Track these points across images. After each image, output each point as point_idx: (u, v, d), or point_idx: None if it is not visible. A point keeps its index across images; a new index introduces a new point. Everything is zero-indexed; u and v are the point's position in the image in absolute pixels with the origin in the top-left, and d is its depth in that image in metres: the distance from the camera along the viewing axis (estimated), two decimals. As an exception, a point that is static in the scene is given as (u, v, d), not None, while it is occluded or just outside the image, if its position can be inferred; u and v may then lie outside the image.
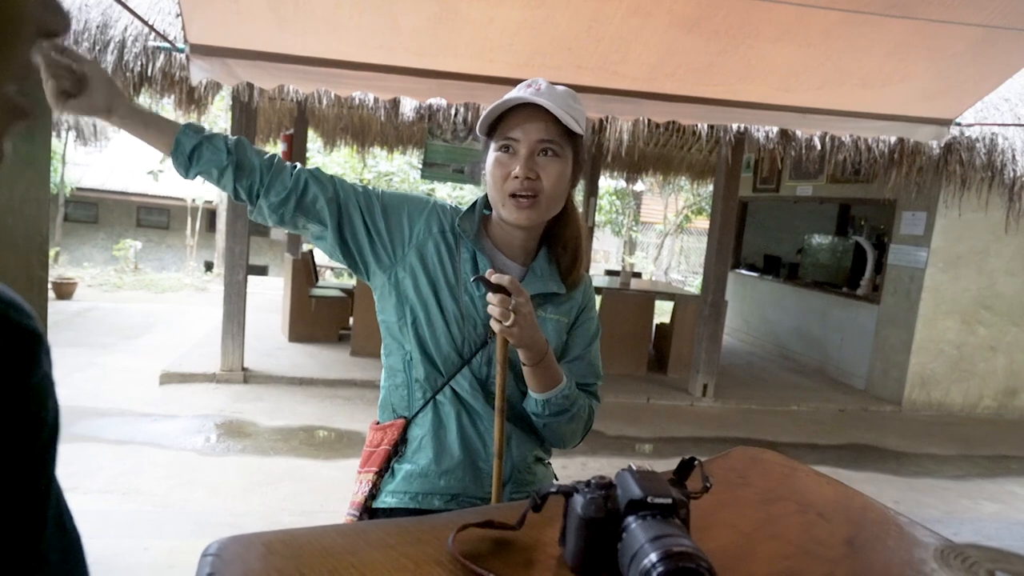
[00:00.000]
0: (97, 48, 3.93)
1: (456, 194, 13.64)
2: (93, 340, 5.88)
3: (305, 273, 6.10)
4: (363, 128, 7.55)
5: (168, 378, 4.79)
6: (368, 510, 1.18)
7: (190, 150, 1.12)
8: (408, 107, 4.65)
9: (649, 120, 4.44)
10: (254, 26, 3.15)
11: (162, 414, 4.17)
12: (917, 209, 5.68)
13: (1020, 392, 5.94)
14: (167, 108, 5.28)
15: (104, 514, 2.83)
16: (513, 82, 1.16)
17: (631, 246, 16.45)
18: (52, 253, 9.58)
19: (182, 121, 1.16)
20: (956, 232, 5.58)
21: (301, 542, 0.74)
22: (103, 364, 5.14)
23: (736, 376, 6.27)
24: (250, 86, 4.17)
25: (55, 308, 6.94)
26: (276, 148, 7.36)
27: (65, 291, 7.76)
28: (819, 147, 4.78)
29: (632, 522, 0.68)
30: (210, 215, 14.75)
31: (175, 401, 4.43)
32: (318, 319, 6.06)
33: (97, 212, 16.86)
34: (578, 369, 1.23)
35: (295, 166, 1.19)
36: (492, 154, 1.15)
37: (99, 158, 14.64)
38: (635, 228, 16.46)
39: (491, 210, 1.20)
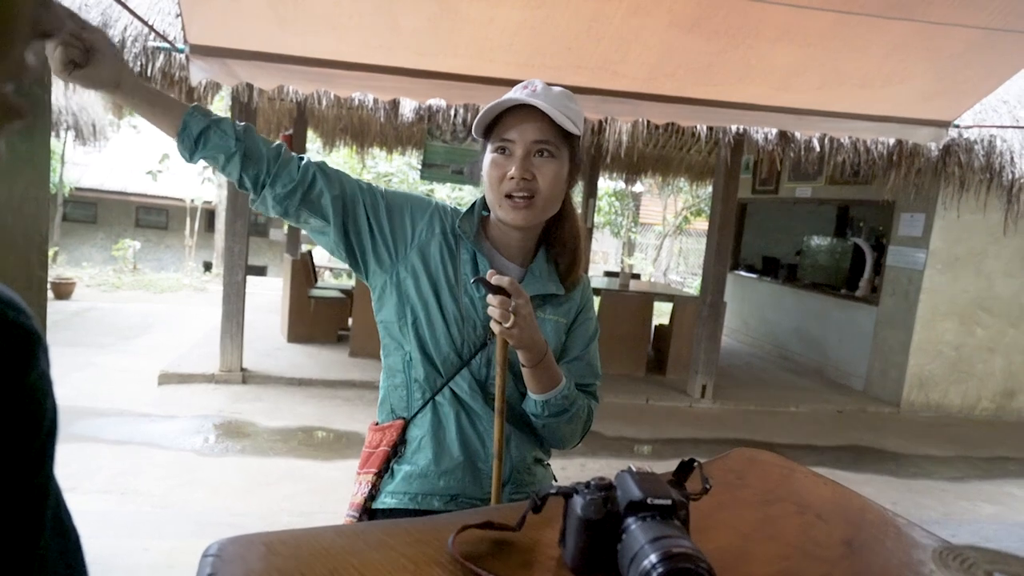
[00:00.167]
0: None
1: (455, 195, 13.65)
2: (91, 340, 5.87)
3: (304, 274, 6.10)
4: (362, 128, 7.56)
5: (167, 378, 4.79)
6: (368, 511, 1.18)
7: (197, 133, 1.10)
8: (407, 108, 4.65)
9: (648, 121, 4.45)
10: (254, 26, 3.15)
11: (161, 414, 4.17)
12: (916, 211, 5.69)
13: (1018, 393, 5.95)
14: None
15: (103, 515, 2.83)
16: (513, 83, 1.17)
17: (630, 247, 16.46)
18: (51, 253, 9.56)
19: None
20: (954, 234, 5.59)
21: (301, 542, 0.74)
22: (102, 364, 5.13)
23: (735, 377, 6.28)
24: (250, 86, 4.17)
25: (53, 308, 6.93)
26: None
27: (64, 291, 7.75)
28: (818, 148, 4.78)
29: (632, 523, 0.68)
30: (209, 215, 14.75)
31: (174, 401, 4.43)
32: (317, 320, 6.06)
33: (96, 212, 16.86)
34: (577, 369, 1.23)
35: (302, 158, 1.18)
36: (488, 155, 1.15)
37: (98, 158, 14.62)
38: (634, 229, 16.47)
39: (490, 211, 1.21)
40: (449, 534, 0.75)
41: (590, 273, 5.48)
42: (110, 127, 8.37)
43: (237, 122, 1.13)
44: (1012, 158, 4.93)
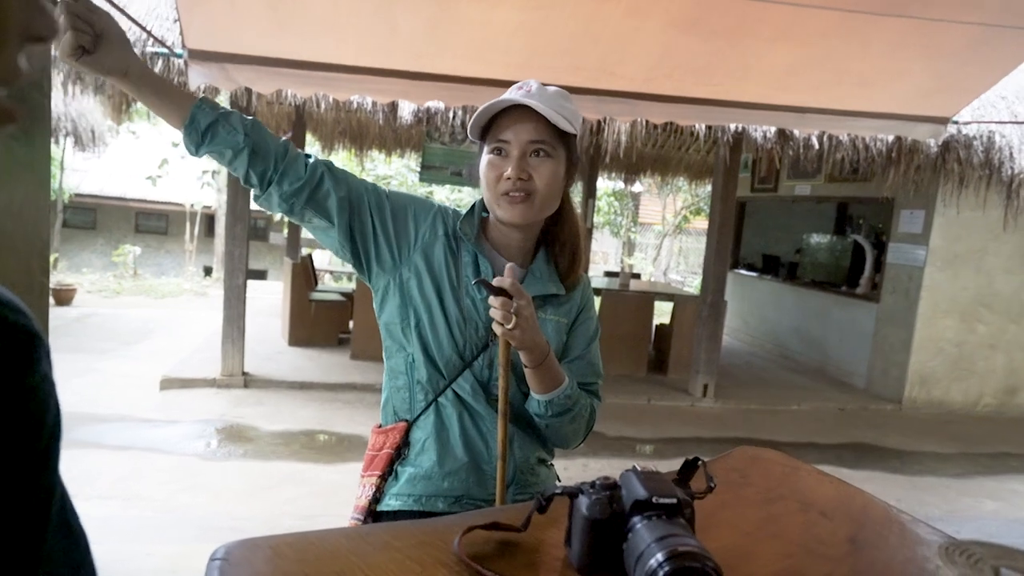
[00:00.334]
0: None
1: (454, 197, 13.65)
2: (93, 346, 5.87)
3: (304, 277, 6.10)
4: (361, 131, 7.56)
5: (168, 383, 4.79)
6: (372, 513, 1.18)
7: (205, 127, 1.07)
8: (406, 110, 4.66)
9: (647, 121, 4.45)
10: (252, 30, 3.16)
11: (163, 419, 4.16)
12: (915, 207, 5.69)
13: (1020, 390, 5.95)
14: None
15: (106, 520, 2.83)
16: (511, 84, 1.17)
17: (630, 247, 16.46)
18: (51, 259, 9.56)
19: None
20: (954, 230, 5.59)
21: (307, 546, 0.74)
22: (103, 370, 5.13)
23: (736, 376, 6.27)
24: (248, 90, 4.18)
25: (54, 314, 6.93)
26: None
27: (64, 297, 7.75)
28: (817, 146, 4.79)
29: (637, 522, 0.68)
30: (208, 220, 14.76)
31: (176, 406, 4.43)
32: (318, 323, 6.06)
33: (95, 218, 16.87)
34: (579, 369, 1.23)
35: (309, 156, 1.17)
36: (485, 157, 1.15)
37: (97, 164, 14.61)
38: (634, 229, 16.47)
39: (489, 213, 1.21)
40: (454, 535, 0.75)
41: (590, 273, 5.47)
42: (109, 133, 8.36)
43: (244, 116, 1.12)
44: (1011, 154, 4.93)
